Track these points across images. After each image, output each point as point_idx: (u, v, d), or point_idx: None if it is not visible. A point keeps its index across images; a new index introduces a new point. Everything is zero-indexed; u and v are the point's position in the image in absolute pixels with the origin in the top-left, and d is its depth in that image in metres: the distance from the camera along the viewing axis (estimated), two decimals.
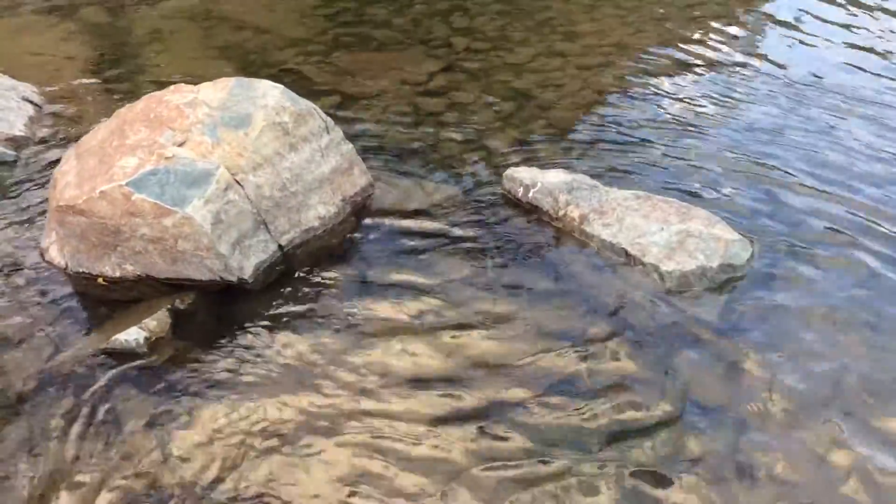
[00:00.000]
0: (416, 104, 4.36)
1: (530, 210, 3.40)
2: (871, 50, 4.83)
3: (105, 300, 2.99)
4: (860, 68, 4.62)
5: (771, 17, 5.30)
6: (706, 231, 3.04)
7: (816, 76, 4.50)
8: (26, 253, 3.21)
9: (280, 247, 3.18)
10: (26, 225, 3.39)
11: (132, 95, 4.11)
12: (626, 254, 3.07)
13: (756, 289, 2.92)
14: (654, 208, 3.19)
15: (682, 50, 4.86)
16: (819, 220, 3.27)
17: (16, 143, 3.98)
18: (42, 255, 3.17)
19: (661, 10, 5.44)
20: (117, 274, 3.03)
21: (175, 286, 3.00)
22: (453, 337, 2.76)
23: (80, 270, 3.06)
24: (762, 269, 3.01)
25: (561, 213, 3.30)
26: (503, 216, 3.41)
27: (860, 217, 3.29)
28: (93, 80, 4.74)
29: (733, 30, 5.13)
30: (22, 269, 3.12)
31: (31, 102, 4.38)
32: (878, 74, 4.54)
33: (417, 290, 2.98)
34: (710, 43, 4.93)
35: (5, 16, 6.01)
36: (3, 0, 6.33)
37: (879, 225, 3.25)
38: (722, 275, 2.96)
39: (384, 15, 5.66)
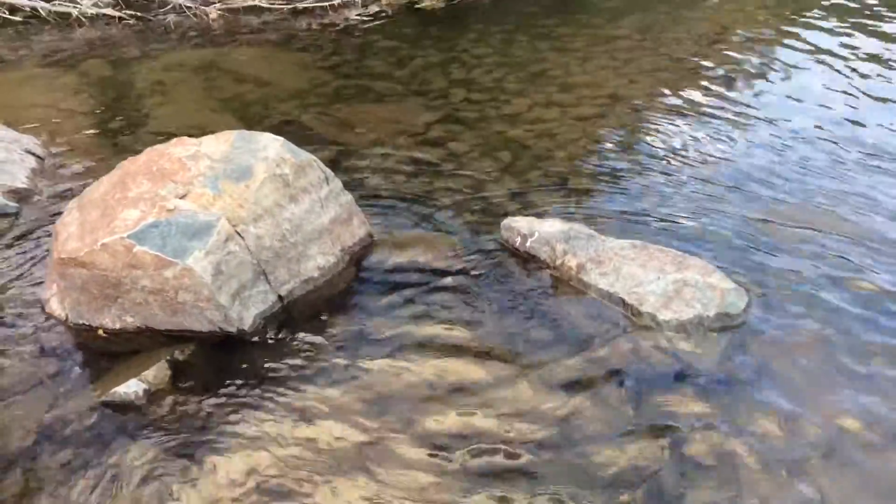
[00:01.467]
0: (415, 154, 4.42)
1: (528, 259, 3.43)
2: (868, 99, 4.89)
3: (105, 352, 3.00)
4: (858, 116, 4.68)
5: (766, 68, 5.39)
6: (702, 280, 3.07)
7: (813, 125, 4.57)
8: (27, 305, 3.22)
9: (280, 297, 3.20)
10: (27, 277, 3.41)
11: (135, 147, 4.17)
12: (624, 303, 3.09)
13: (753, 338, 2.94)
14: (650, 257, 3.22)
15: (675, 101, 4.94)
16: (815, 270, 3.29)
17: (18, 195, 4.02)
18: (42, 306, 3.18)
19: (654, 62, 5.54)
20: (117, 326, 3.04)
21: (174, 337, 3.01)
22: (452, 388, 2.76)
23: (81, 322, 3.08)
24: (758, 318, 3.02)
25: (558, 262, 3.33)
26: (501, 265, 3.43)
27: (858, 267, 3.31)
28: (96, 133, 4.81)
29: (726, 80, 5.22)
30: (22, 321, 3.13)
31: (34, 155, 4.44)
32: (877, 122, 4.59)
33: (416, 341, 2.99)
34: (703, 94, 5.02)
35: (9, 69, 6.12)
36: (8, 53, 6.45)
37: (877, 275, 3.27)
38: (719, 324, 2.98)
39: (383, 67, 5.77)
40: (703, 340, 2.93)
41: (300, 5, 7.29)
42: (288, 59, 6.08)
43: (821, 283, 3.21)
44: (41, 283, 3.31)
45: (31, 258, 3.55)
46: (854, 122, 4.58)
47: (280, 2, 7.34)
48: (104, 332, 3.05)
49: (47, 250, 3.44)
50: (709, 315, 2.97)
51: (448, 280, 3.34)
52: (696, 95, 4.98)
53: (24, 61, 6.27)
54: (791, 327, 2.98)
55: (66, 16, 7.27)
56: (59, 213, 3.39)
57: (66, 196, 3.99)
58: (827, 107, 4.78)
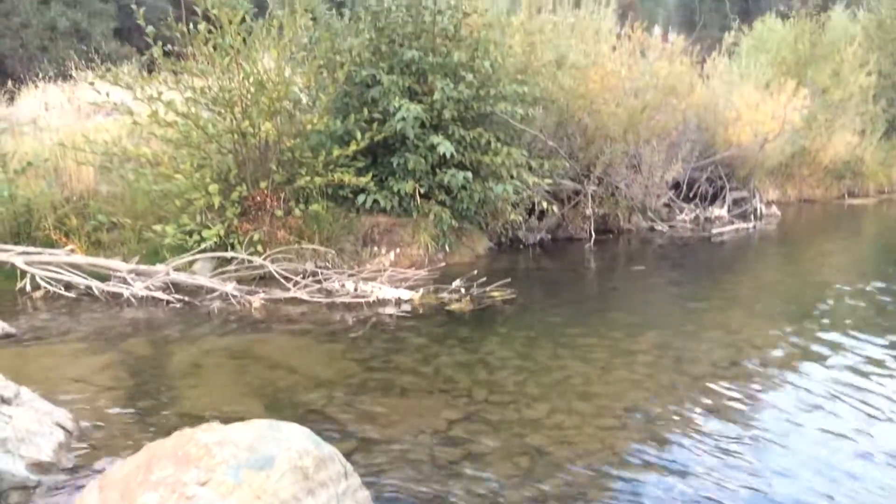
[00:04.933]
0: (434, 453, 4.45)
1: None
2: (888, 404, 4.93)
3: None
4: (884, 421, 4.69)
5: (782, 393, 5.50)
6: None
7: (833, 451, 4.55)
8: None
9: None
10: None
11: (164, 428, 4.27)
12: None
13: None
14: None
15: (693, 419, 5.01)
16: None
17: (41, 468, 4.06)
18: None
19: (672, 379, 5.70)
20: None
21: None
22: None
23: None
24: None
25: None
26: None
27: None
28: (127, 411, 4.95)
29: (743, 403, 5.31)
30: None
31: (63, 428, 4.53)
32: None
33: None
34: (720, 415, 5.08)
35: (54, 342, 6.46)
36: (55, 327, 6.85)
37: None
38: None
39: (410, 362, 5.99)
40: None
41: (338, 300, 7.77)
42: (320, 349, 6.36)
43: None
44: None
45: None
46: (879, 447, 4.58)
47: (319, 295, 7.84)
48: None
49: None
50: None
51: None
52: (712, 416, 5.05)
53: (70, 336, 6.62)
54: None
55: (117, 296, 7.78)
56: (79, 489, 3.41)
57: (87, 473, 4.03)
58: (847, 434, 4.81)
